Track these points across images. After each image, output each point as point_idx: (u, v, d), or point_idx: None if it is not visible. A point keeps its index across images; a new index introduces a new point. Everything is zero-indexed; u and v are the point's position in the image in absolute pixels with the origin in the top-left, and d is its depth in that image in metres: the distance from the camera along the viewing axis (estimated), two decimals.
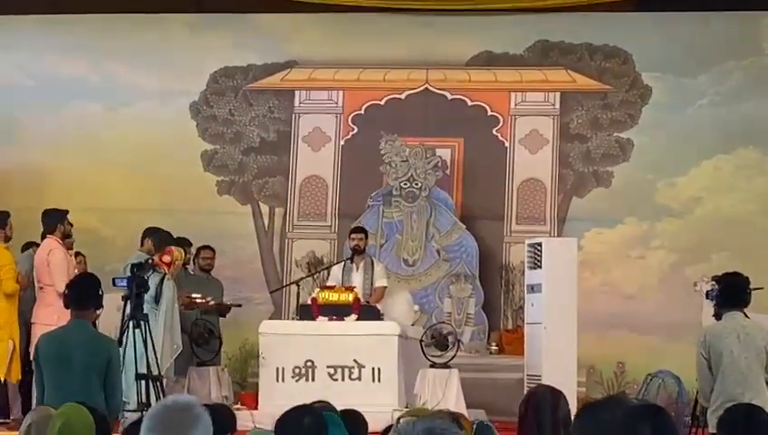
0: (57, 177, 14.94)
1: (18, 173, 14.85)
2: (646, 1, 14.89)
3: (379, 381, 10.92)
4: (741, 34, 14.75)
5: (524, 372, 11.75)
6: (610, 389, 13.87)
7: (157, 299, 10.94)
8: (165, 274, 11.03)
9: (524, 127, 14.97)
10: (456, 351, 11.39)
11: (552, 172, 14.83)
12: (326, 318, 11.26)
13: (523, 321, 12.52)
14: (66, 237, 11.39)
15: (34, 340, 9.39)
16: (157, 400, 9.59)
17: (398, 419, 5.61)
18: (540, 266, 11.76)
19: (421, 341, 11.42)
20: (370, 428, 5.67)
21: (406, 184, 14.34)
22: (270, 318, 13.71)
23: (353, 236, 12.38)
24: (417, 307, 12.75)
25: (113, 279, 10.17)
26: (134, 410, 9.64)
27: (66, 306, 7.64)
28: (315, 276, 13.83)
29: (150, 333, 10.04)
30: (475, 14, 14.98)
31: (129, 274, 10.29)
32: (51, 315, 10.10)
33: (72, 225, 11.51)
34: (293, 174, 15.16)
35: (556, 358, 11.35)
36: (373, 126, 14.84)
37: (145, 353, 9.95)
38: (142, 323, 9.96)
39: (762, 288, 9.71)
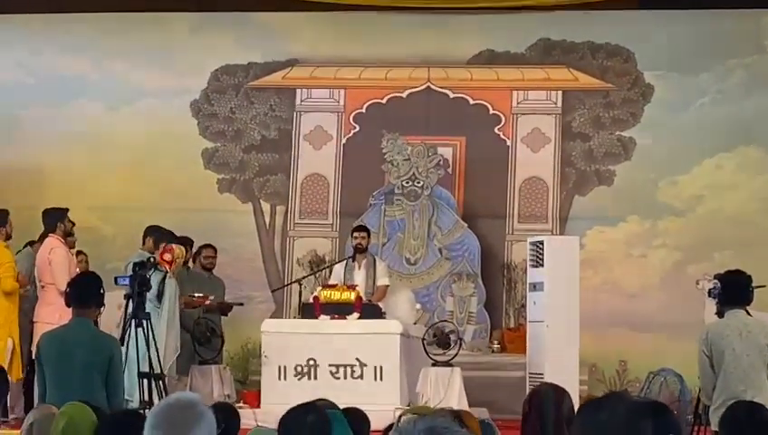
0: (58, 175, 14.94)
1: (19, 172, 14.84)
2: None
3: (381, 379, 10.92)
4: (743, 32, 14.74)
5: (526, 371, 11.75)
6: (612, 387, 13.86)
7: (159, 297, 10.94)
8: (166, 272, 11.02)
9: (526, 125, 14.96)
10: (459, 349, 11.38)
11: (555, 171, 14.82)
12: (328, 317, 11.26)
13: (525, 319, 12.52)
14: (68, 236, 11.38)
15: (36, 339, 9.38)
16: (159, 398, 9.59)
17: (399, 417, 5.61)
18: (542, 265, 11.75)
19: (423, 339, 11.41)
20: (373, 426, 5.67)
21: (408, 183, 14.33)
22: (271, 316, 13.71)
23: (355, 234, 12.37)
24: (419, 306, 12.75)
25: (115, 278, 10.17)
26: (136, 409, 9.62)
27: (67, 305, 7.64)
28: (317, 275, 13.83)
29: (153, 332, 10.03)
30: (476, 13, 14.97)
31: (131, 272, 10.28)
32: (52, 314, 10.09)
33: (73, 223, 11.50)
34: (295, 172, 15.16)
35: (558, 356, 11.35)
36: (375, 124, 14.83)
37: (147, 352, 9.94)
38: (144, 321, 9.95)
39: (764, 286, 9.71)
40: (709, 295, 10.21)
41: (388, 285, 12.19)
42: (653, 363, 12.20)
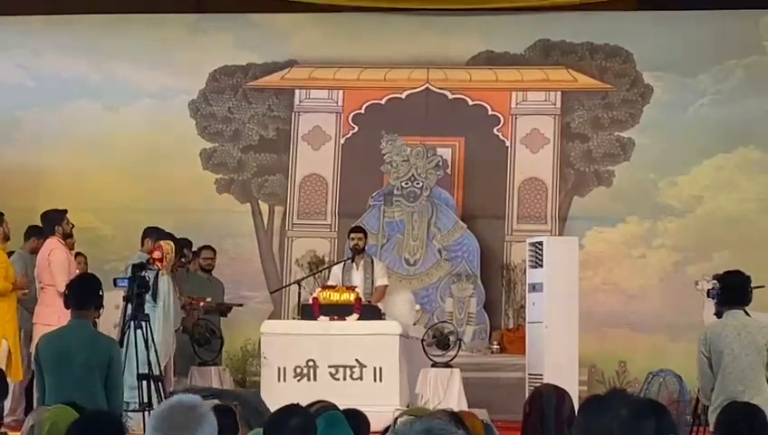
0: (57, 176, 14.94)
1: (18, 173, 14.85)
2: (646, 0, 14.88)
3: (380, 380, 10.92)
4: (742, 33, 14.74)
5: (526, 371, 11.75)
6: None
7: (154, 296, 10.92)
8: (158, 270, 11.00)
9: (525, 126, 14.96)
10: (458, 350, 11.38)
11: (554, 171, 14.82)
12: (327, 318, 11.25)
13: (525, 320, 12.51)
14: (67, 237, 11.38)
15: (36, 340, 9.37)
16: (158, 400, 9.59)
17: (396, 418, 5.60)
18: (541, 265, 11.75)
19: (423, 340, 11.41)
20: (372, 427, 5.66)
21: (407, 184, 14.33)
22: (269, 317, 13.72)
23: (353, 235, 12.37)
24: (418, 307, 12.75)
25: (114, 279, 10.17)
26: (136, 411, 9.64)
27: (66, 307, 7.63)
28: (316, 276, 13.82)
29: (152, 334, 10.03)
30: (475, 14, 14.97)
31: (129, 274, 10.28)
32: (51, 316, 10.08)
33: (72, 225, 11.49)
34: (293, 172, 15.15)
35: (557, 357, 11.35)
36: (373, 125, 14.83)
37: (146, 354, 9.94)
38: (144, 323, 9.95)
39: (763, 286, 9.72)
40: (708, 296, 10.25)
41: (386, 286, 12.19)
42: (652, 364, 12.21)
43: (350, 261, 12.24)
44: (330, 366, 11.01)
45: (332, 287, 11.58)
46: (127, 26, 15.23)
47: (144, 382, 9.89)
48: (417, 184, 14.32)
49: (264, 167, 15.19)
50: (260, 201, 15.16)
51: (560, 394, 5.27)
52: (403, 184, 14.32)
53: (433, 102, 15.06)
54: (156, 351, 10.07)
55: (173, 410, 3.78)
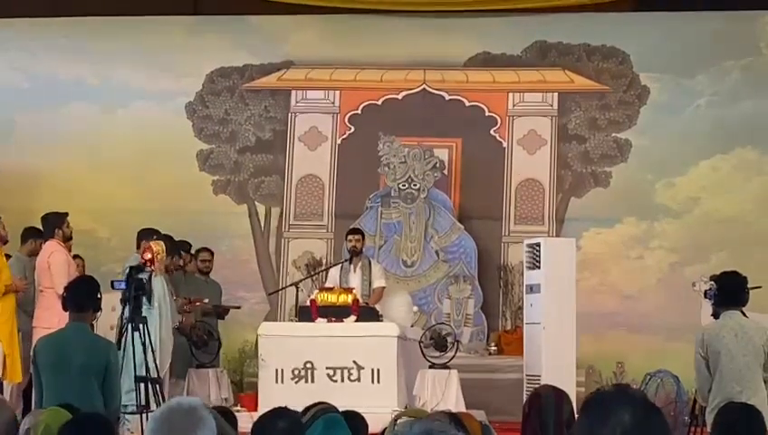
0: (54, 178, 14.94)
1: (14, 175, 14.83)
2: (643, 1, 14.89)
3: (378, 382, 10.91)
4: (738, 34, 14.75)
5: (524, 373, 11.76)
6: None
7: (149, 298, 10.89)
8: (151, 271, 10.99)
9: (522, 127, 14.97)
10: (456, 351, 11.39)
11: (551, 172, 14.83)
12: (325, 320, 11.25)
13: (522, 321, 12.52)
14: (67, 240, 11.38)
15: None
16: (156, 402, 9.59)
17: (395, 420, 5.60)
18: (538, 267, 11.76)
19: (420, 342, 11.41)
20: (370, 429, 5.67)
21: (404, 185, 14.33)
22: (266, 318, 13.73)
23: (350, 237, 12.37)
24: (416, 308, 12.76)
25: (112, 282, 10.14)
26: (134, 413, 9.63)
27: (64, 309, 7.63)
28: (314, 278, 13.82)
29: (149, 336, 10.02)
30: (472, 15, 14.98)
31: (126, 276, 10.27)
32: (51, 319, 10.07)
33: (71, 228, 11.49)
34: (289, 173, 15.15)
35: (555, 358, 11.36)
36: (370, 126, 14.84)
37: (144, 356, 9.93)
38: (141, 325, 9.94)
39: (760, 287, 9.71)
40: (705, 297, 10.24)
41: (384, 287, 12.19)
42: (650, 365, 12.21)
43: (347, 263, 12.24)
44: (327, 368, 11.01)
45: (330, 289, 11.58)
46: (124, 29, 15.23)
47: (142, 385, 9.88)
48: (415, 186, 14.32)
49: (260, 168, 15.19)
50: (257, 202, 15.17)
51: (559, 395, 5.27)
52: (400, 186, 14.32)
53: (430, 103, 15.07)
54: (153, 353, 10.06)
55: (172, 412, 3.78)
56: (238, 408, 11.17)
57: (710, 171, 14.55)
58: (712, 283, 8.75)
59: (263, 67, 15.30)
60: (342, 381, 10.95)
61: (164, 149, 15.13)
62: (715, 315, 8.30)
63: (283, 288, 14.05)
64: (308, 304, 11.49)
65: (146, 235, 11.65)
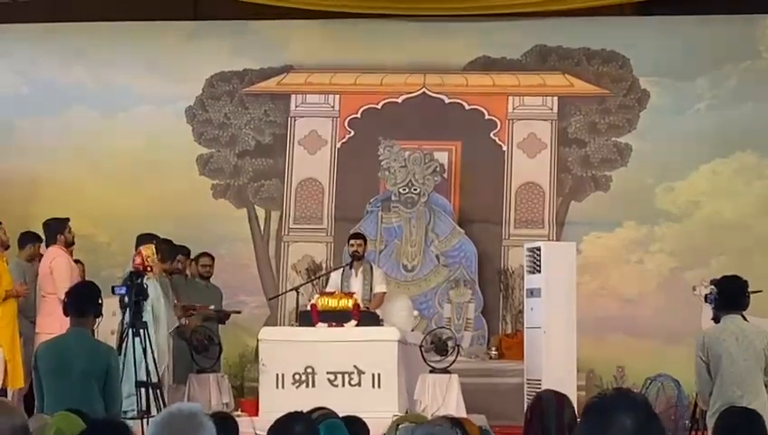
0: (53, 183, 14.94)
1: (14, 180, 14.84)
2: (643, 5, 14.89)
3: (379, 386, 10.90)
4: (738, 38, 14.76)
5: (524, 377, 11.75)
6: None
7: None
8: (144, 275, 10.96)
9: (522, 131, 14.96)
10: (456, 356, 11.37)
11: (551, 176, 14.83)
12: (326, 324, 11.24)
13: (523, 325, 12.51)
14: (69, 245, 11.39)
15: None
16: (157, 407, 9.59)
17: (396, 425, 5.61)
18: (539, 271, 11.75)
19: (421, 346, 11.40)
20: (371, 434, 5.67)
21: (404, 190, 14.33)
22: (266, 322, 13.74)
23: (352, 241, 12.36)
24: (416, 313, 12.75)
25: (112, 287, 10.15)
26: (134, 418, 9.63)
27: (65, 314, 7.64)
28: (314, 282, 13.82)
29: (150, 341, 10.02)
30: (472, 19, 14.98)
31: (127, 282, 10.26)
32: (53, 324, 10.07)
33: (72, 233, 11.50)
34: (289, 177, 15.16)
35: (556, 362, 11.34)
36: (370, 129, 14.84)
37: (144, 361, 9.93)
38: (142, 331, 9.94)
39: (760, 291, 9.70)
40: (706, 301, 10.25)
41: (385, 292, 12.19)
42: (650, 369, 12.22)
43: (348, 267, 12.24)
44: (328, 373, 11.00)
45: (331, 294, 11.57)
46: (124, 34, 15.24)
47: (142, 390, 9.88)
48: (415, 190, 14.32)
49: (260, 172, 15.20)
50: (256, 206, 15.17)
51: (560, 400, 5.28)
52: (401, 190, 14.32)
53: (429, 107, 15.07)
54: (154, 358, 10.05)
55: (172, 417, 3.79)
56: (239, 413, 11.13)
57: (710, 175, 14.55)
58: (712, 287, 8.75)
59: (262, 71, 15.31)
60: (343, 385, 10.94)
61: (164, 153, 15.14)
62: (716, 319, 8.30)
63: (283, 293, 14.04)
64: (308, 308, 11.49)
65: (145, 240, 11.65)
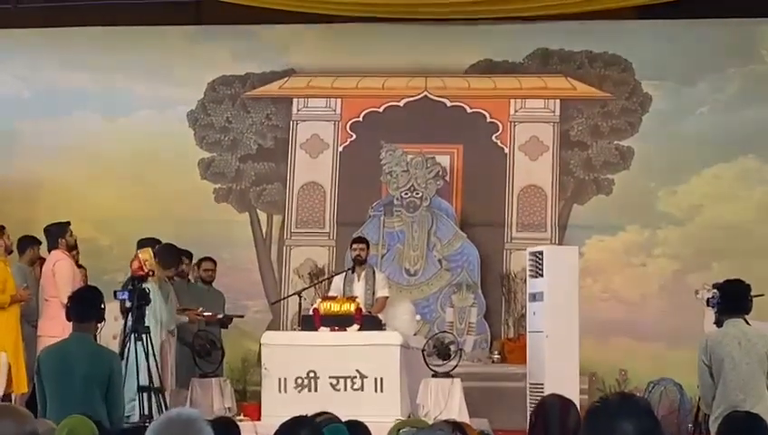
0: (55, 187, 14.95)
1: (17, 185, 14.84)
2: (645, 9, 14.89)
3: (381, 391, 10.88)
4: (740, 42, 14.76)
5: (527, 381, 11.73)
6: None
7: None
8: (145, 280, 10.96)
9: (524, 133, 14.96)
10: (459, 360, 11.36)
11: (553, 179, 14.82)
12: (328, 328, 11.23)
13: (525, 329, 12.50)
14: (71, 249, 11.38)
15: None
16: (159, 412, 9.59)
17: (398, 429, 5.60)
18: (541, 275, 11.74)
19: (423, 350, 11.39)
20: None
21: (407, 194, 14.33)
22: (268, 326, 13.73)
23: (355, 246, 12.37)
24: (419, 317, 12.74)
25: (115, 292, 10.16)
26: (136, 423, 9.62)
27: (68, 319, 7.64)
28: (317, 286, 13.81)
29: (152, 346, 10.02)
30: (474, 23, 14.98)
31: (129, 286, 10.26)
32: (55, 328, 10.06)
33: (74, 236, 11.49)
34: (291, 181, 15.16)
35: (558, 366, 11.33)
36: (372, 133, 14.84)
37: (147, 366, 9.93)
38: (144, 335, 9.94)
39: (763, 295, 9.72)
40: (708, 305, 10.24)
41: (387, 297, 12.19)
42: (653, 372, 12.22)
43: (351, 271, 12.24)
44: (331, 377, 10.98)
45: (333, 298, 11.56)
46: (125, 38, 15.25)
47: (145, 394, 9.87)
48: (417, 194, 14.32)
49: (262, 176, 15.20)
50: (258, 210, 15.17)
51: (565, 404, 5.26)
52: (403, 194, 14.32)
53: (431, 110, 15.06)
54: (156, 363, 10.05)
55: (171, 422, 3.78)
56: (241, 417, 11.14)
57: (712, 179, 14.54)
58: (715, 290, 8.74)
59: (264, 75, 15.32)
60: (345, 390, 10.92)
61: (165, 157, 15.14)
62: (718, 323, 8.29)
63: (286, 297, 14.03)
64: (311, 312, 11.48)
65: (146, 244, 11.65)
